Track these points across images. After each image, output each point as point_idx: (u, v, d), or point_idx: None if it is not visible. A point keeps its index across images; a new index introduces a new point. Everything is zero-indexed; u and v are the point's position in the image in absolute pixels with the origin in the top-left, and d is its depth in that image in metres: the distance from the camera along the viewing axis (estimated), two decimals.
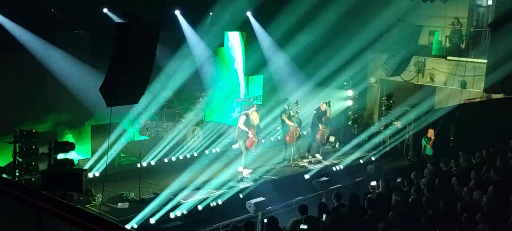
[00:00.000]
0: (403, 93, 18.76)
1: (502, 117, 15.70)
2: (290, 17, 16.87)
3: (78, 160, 12.34)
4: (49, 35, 13.87)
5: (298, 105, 14.73)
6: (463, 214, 8.75)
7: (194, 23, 15.94)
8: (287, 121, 14.64)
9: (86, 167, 11.96)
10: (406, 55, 17.30)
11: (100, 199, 11.18)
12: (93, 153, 12.94)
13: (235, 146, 14.35)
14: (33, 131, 12.50)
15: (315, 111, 15.26)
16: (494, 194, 9.83)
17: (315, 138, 15.34)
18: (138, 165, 12.74)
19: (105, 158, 11.07)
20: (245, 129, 13.43)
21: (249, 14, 16.96)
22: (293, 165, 14.23)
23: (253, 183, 13.12)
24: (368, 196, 10.23)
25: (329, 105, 15.33)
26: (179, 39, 16.00)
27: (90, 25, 14.53)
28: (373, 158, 15.55)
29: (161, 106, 15.10)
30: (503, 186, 10.36)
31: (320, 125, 15.21)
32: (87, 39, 14.97)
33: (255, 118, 13.76)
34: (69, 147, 12.22)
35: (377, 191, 11.04)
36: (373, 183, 11.46)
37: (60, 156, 11.42)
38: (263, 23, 17.18)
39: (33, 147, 12.19)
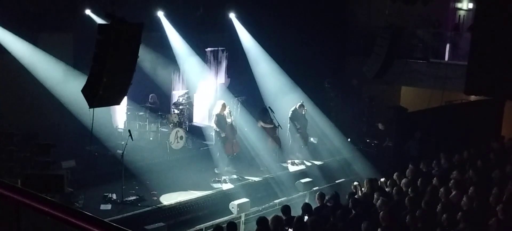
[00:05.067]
0: (385, 95, 18.91)
1: (482, 119, 15.89)
2: (273, 19, 16.90)
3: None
4: (30, 36, 13.73)
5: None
6: (444, 214, 8.86)
7: (177, 24, 15.88)
8: (264, 125, 14.81)
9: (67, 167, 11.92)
10: (388, 57, 17.39)
11: (82, 201, 11.11)
12: None
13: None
14: (14, 133, 12.42)
15: (291, 113, 15.35)
16: (475, 194, 9.96)
17: (295, 139, 15.42)
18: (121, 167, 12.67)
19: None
20: (218, 129, 13.53)
21: (232, 15, 16.95)
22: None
23: (236, 184, 13.13)
24: (354, 196, 10.33)
25: (304, 106, 15.45)
26: (162, 41, 15.94)
27: (72, 26, 14.41)
28: (355, 158, 15.62)
29: (144, 108, 15.04)
30: (483, 186, 10.49)
31: (302, 127, 15.33)
32: (69, 41, 14.85)
33: (226, 116, 13.80)
34: (51, 149, 12.16)
35: (360, 190, 11.14)
36: (356, 183, 11.53)
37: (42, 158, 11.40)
38: (247, 25, 17.18)
39: (14, 149, 12.11)
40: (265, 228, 8.66)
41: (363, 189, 11.09)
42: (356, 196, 10.49)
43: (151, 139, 15.07)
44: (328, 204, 10.06)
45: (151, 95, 15.46)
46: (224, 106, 13.75)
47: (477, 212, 9.30)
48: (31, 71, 13.54)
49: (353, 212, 9.49)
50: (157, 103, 15.51)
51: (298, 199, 12.76)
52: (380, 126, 16.33)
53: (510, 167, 11.88)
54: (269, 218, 8.88)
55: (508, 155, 13.41)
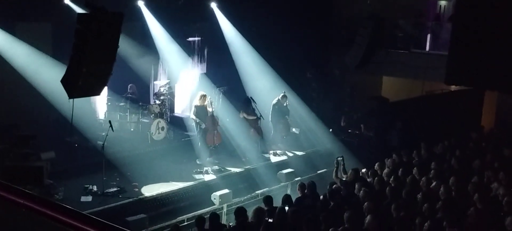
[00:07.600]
0: (367, 85, 18.97)
1: (462, 109, 16.04)
2: (255, 9, 16.82)
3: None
4: (8, 25, 13.51)
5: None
6: (425, 204, 8.93)
7: (158, 14, 15.74)
8: (246, 116, 14.79)
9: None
10: (370, 48, 17.45)
11: (62, 193, 11.00)
12: None
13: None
14: None
15: (275, 104, 15.35)
16: (454, 184, 10.06)
17: (277, 129, 15.43)
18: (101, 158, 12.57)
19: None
20: (197, 119, 13.50)
21: (214, 5, 16.83)
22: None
23: (218, 175, 13.10)
24: (333, 186, 10.37)
25: (287, 97, 15.48)
26: (143, 31, 15.80)
27: (51, 15, 14.20)
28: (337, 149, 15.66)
29: (124, 99, 14.91)
30: (462, 176, 10.60)
31: (284, 117, 15.36)
32: (48, 30, 14.64)
33: (207, 106, 13.74)
34: (31, 140, 12.03)
35: (343, 164, 11.29)
36: (340, 158, 11.56)
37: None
38: (228, 15, 17.09)
39: None
40: (244, 219, 8.66)
41: (345, 177, 11.12)
42: (335, 186, 10.49)
43: (132, 129, 14.98)
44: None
45: (130, 85, 15.34)
46: (204, 97, 13.69)
47: (456, 201, 9.39)
48: (9, 61, 13.34)
49: (331, 203, 9.51)
50: (137, 93, 15.39)
51: (280, 189, 12.78)
52: (363, 128, 16.44)
53: (490, 156, 12.02)
54: (251, 209, 8.89)
55: (487, 145, 13.56)
